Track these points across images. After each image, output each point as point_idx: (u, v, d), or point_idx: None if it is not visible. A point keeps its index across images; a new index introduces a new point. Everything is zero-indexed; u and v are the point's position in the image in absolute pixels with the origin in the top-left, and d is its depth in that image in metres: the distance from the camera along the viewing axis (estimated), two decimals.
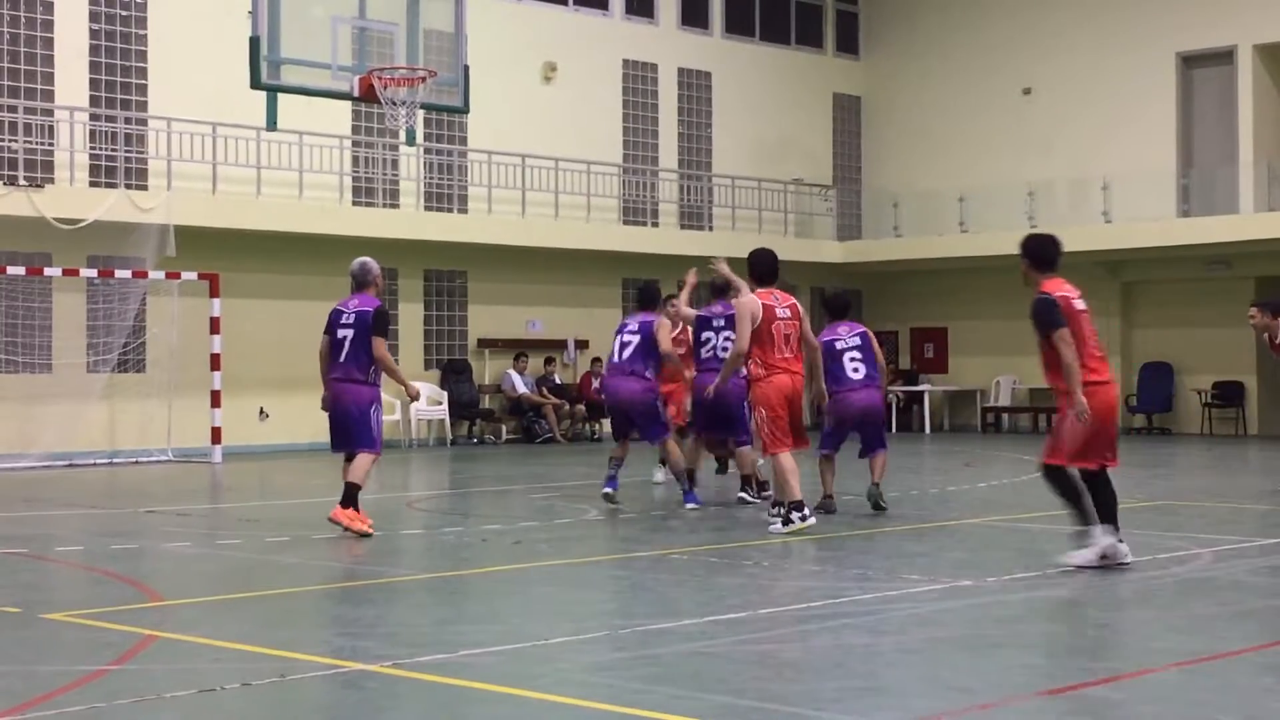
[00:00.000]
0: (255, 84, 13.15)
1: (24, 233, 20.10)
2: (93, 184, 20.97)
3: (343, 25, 13.61)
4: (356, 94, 13.85)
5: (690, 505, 13.15)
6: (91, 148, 21.13)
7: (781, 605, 8.52)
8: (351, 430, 11.66)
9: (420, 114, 15.12)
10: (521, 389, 25.06)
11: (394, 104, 13.72)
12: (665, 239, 27.01)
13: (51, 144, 20.75)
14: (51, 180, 20.50)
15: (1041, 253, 9.62)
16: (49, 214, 19.78)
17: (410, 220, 24.00)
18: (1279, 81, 26.96)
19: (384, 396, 11.97)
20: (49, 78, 21.04)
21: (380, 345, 11.61)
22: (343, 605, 8.84)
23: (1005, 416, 28.62)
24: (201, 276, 20.77)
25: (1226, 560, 10.02)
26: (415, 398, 12.44)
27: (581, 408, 25.55)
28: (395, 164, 24.29)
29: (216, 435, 20.58)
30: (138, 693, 6.10)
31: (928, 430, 28.30)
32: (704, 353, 13.59)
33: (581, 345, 26.45)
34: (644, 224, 27.48)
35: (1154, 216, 26.13)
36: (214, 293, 20.75)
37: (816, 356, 11.95)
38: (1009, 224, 27.20)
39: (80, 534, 12.38)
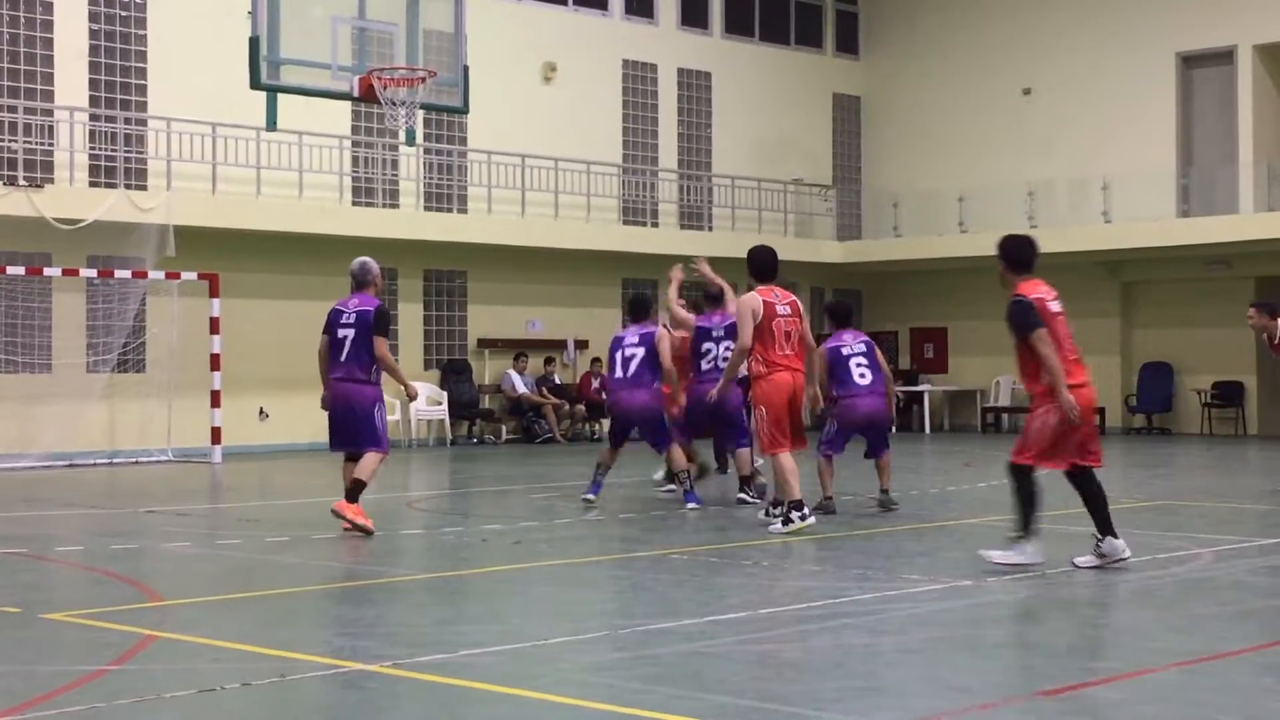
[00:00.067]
0: (255, 84, 13.14)
1: (24, 233, 20.10)
2: (93, 184, 20.97)
3: (342, 25, 13.60)
4: (356, 94, 13.85)
5: (691, 505, 13.19)
6: (91, 148, 21.14)
7: (781, 605, 8.52)
8: (357, 430, 11.68)
9: (420, 114, 15.12)
10: (521, 389, 25.06)
11: (394, 104, 13.71)
12: (665, 239, 26.99)
13: (51, 144, 20.76)
14: (51, 180, 20.50)
15: (1018, 254, 9.56)
16: (49, 214, 19.78)
17: (410, 220, 24.00)
18: (1279, 81, 26.96)
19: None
20: (49, 78, 21.05)
21: (382, 345, 11.65)
22: (343, 605, 8.85)
23: (1005, 416, 28.61)
24: (201, 276, 20.77)
25: (1226, 560, 10.02)
26: (413, 398, 12.52)
27: (581, 408, 25.55)
28: (395, 164, 24.29)
29: (216, 435, 20.58)
30: (138, 693, 6.10)
31: (928, 430, 28.31)
32: (704, 364, 13.68)
33: (581, 345, 26.45)
34: (644, 224, 27.48)
35: (1154, 216, 26.13)
36: (214, 293, 20.75)
37: (814, 357, 11.95)
38: (1009, 224, 27.05)
39: (80, 534, 12.38)
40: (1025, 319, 9.19)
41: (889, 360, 15.75)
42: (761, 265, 11.80)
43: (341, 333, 11.71)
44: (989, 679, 6.49)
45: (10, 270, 19.72)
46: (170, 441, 20.92)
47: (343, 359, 11.68)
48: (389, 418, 13.21)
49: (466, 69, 14.45)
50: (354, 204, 23.68)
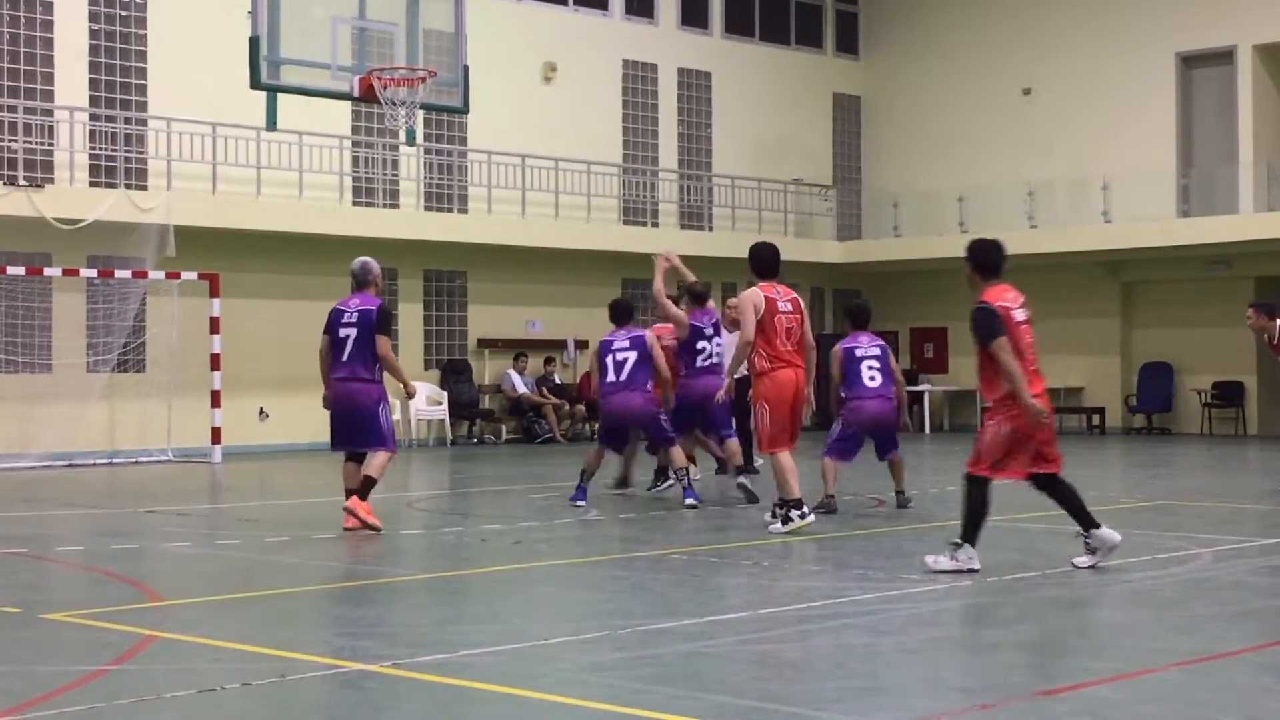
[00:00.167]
0: (255, 84, 13.15)
1: (24, 233, 20.10)
2: (93, 184, 20.97)
3: (342, 25, 13.61)
4: (356, 94, 13.85)
5: (689, 501, 13.22)
6: (91, 148, 21.14)
7: (781, 605, 8.52)
8: (362, 429, 11.72)
9: (420, 114, 15.13)
10: (521, 389, 25.06)
11: (394, 104, 13.72)
12: (665, 239, 26.87)
13: (51, 144, 20.76)
14: (51, 180, 20.51)
15: (985, 258, 9.52)
16: (49, 214, 19.79)
17: (410, 220, 24.00)
18: (1279, 81, 26.96)
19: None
20: (49, 78, 21.05)
21: (385, 344, 11.69)
22: (343, 605, 8.85)
23: None
24: (201, 276, 20.77)
25: (1226, 560, 10.02)
26: (412, 396, 12.55)
27: (581, 408, 25.54)
28: (395, 164, 24.29)
29: (216, 435, 20.58)
30: (138, 693, 6.10)
31: (928, 430, 28.31)
32: (700, 361, 13.85)
33: (581, 345, 26.44)
34: (644, 224, 27.48)
35: (1154, 216, 26.13)
36: (214, 293, 20.75)
37: (813, 357, 11.94)
38: (1009, 224, 27.24)
39: (80, 534, 12.38)
40: (988, 327, 9.15)
41: None
42: (763, 262, 11.79)
43: (343, 332, 11.72)
44: (989, 679, 6.49)
45: (10, 270, 19.72)
46: (170, 441, 20.92)
47: (345, 358, 11.70)
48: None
49: (466, 69, 14.45)
50: (354, 204, 23.68)
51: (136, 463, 20.30)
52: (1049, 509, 10.44)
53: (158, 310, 21.23)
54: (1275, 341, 15.24)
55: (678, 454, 13.60)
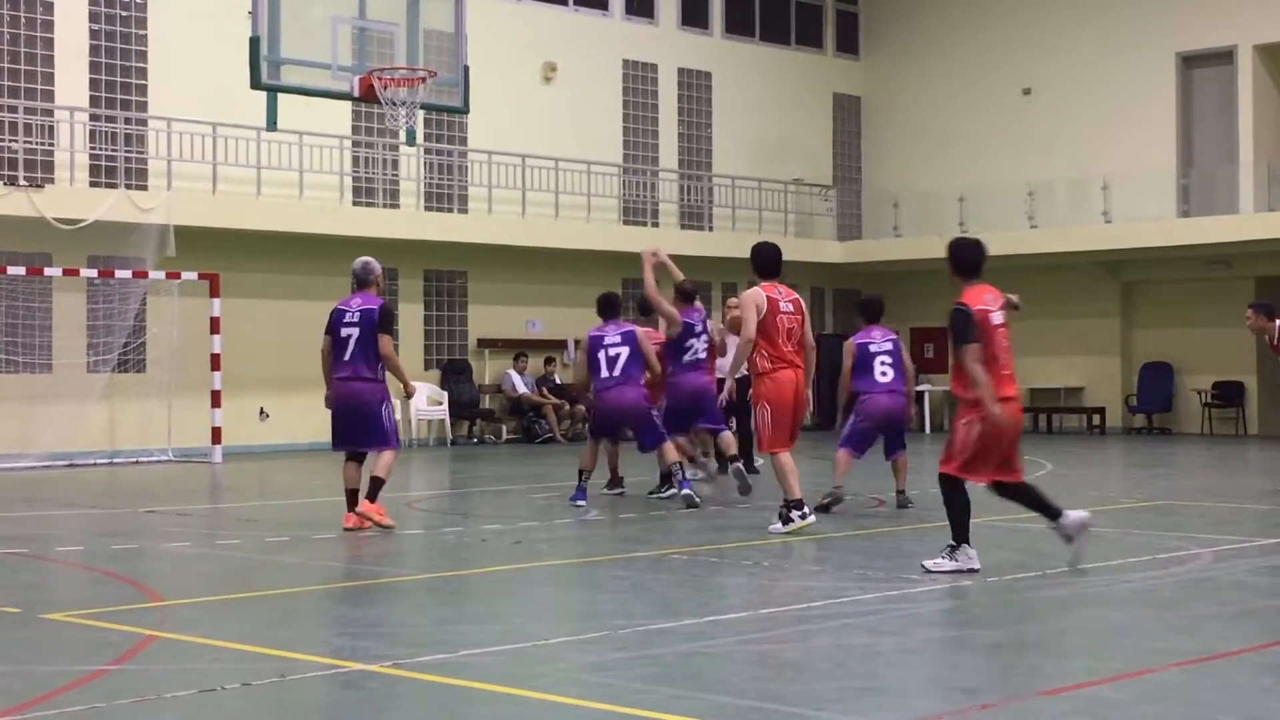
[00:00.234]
0: (255, 84, 13.15)
1: (24, 233, 20.11)
2: (93, 184, 20.97)
3: (343, 25, 13.61)
4: (356, 94, 13.85)
5: (685, 492, 13.27)
6: (91, 148, 21.14)
7: (781, 605, 8.52)
8: (365, 429, 11.76)
9: (420, 114, 15.12)
10: (521, 389, 25.07)
11: (394, 104, 13.72)
12: (665, 239, 26.86)
13: (51, 144, 20.76)
14: (51, 180, 20.51)
15: (965, 258, 9.49)
16: (49, 214, 19.79)
17: (410, 220, 24.00)
18: (1279, 81, 26.96)
19: None
20: (49, 78, 21.05)
21: (387, 343, 11.72)
22: (343, 605, 8.85)
23: None
24: (201, 276, 20.78)
25: (1226, 560, 10.02)
26: (410, 396, 12.57)
27: (581, 408, 25.53)
28: (395, 164, 24.29)
29: (216, 435, 20.58)
30: (138, 693, 6.10)
31: (928, 430, 28.29)
32: (686, 357, 14.01)
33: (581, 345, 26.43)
34: (644, 224, 27.47)
35: (1154, 216, 26.13)
36: (214, 293, 20.75)
37: (813, 358, 11.93)
38: (1009, 224, 27.29)
39: (80, 534, 12.38)
40: (961, 330, 9.14)
41: None
42: (765, 262, 11.78)
43: (345, 332, 11.74)
44: (989, 679, 6.49)
45: (10, 270, 19.72)
46: (170, 441, 20.93)
47: (347, 358, 11.72)
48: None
49: (466, 69, 14.45)
50: (354, 204, 23.68)
51: (137, 463, 20.31)
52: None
53: (158, 310, 21.23)
54: (1275, 342, 15.24)
55: (670, 452, 13.60)
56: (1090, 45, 28.10)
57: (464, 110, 15.30)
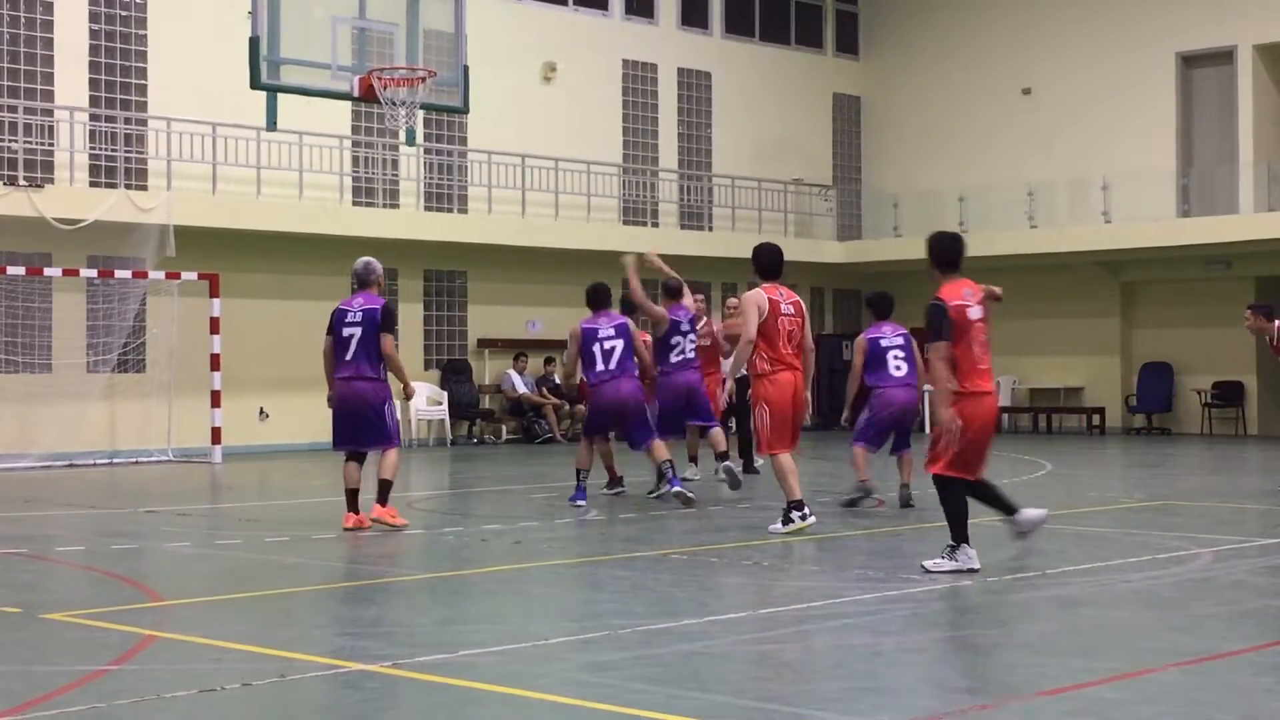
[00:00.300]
0: (255, 84, 13.15)
1: (24, 233, 20.10)
2: (93, 184, 20.97)
3: (343, 25, 13.61)
4: (356, 94, 13.85)
5: (675, 489, 13.28)
6: (91, 148, 21.14)
7: (781, 605, 8.52)
8: (368, 428, 11.78)
9: (420, 114, 15.12)
10: (521, 389, 25.06)
11: (394, 104, 13.72)
12: (665, 239, 26.95)
13: (51, 144, 20.76)
14: (51, 180, 20.51)
15: (944, 253, 9.53)
16: (49, 214, 19.78)
17: (410, 220, 24.00)
18: (1279, 81, 26.96)
19: None
20: (49, 78, 21.05)
21: (390, 342, 11.75)
22: (343, 605, 8.85)
23: (1005, 417, 28.57)
24: (201, 276, 20.77)
25: (1226, 560, 10.01)
26: (410, 397, 12.58)
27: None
28: (395, 164, 24.29)
29: (216, 435, 20.58)
30: (138, 693, 6.10)
31: (928, 430, 28.26)
32: (674, 356, 14.17)
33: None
34: (644, 224, 27.47)
35: (1154, 216, 26.13)
36: (214, 293, 20.75)
37: (811, 360, 11.93)
38: (1009, 224, 27.30)
39: (80, 534, 12.38)
40: (935, 326, 9.16)
41: None
42: (767, 263, 11.78)
43: (347, 331, 11.76)
44: (989, 679, 6.49)
45: (10, 270, 19.72)
46: (170, 441, 20.93)
47: (349, 357, 11.74)
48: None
49: (466, 69, 14.45)
50: (354, 204, 23.68)
51: (136, 463, 20.30)
52: (1049, 509, 10.46)
53: (158, 310, 21.23)
54: (1275, 343, 15.24)
55: (660, 449, 13.60)
56: (1090, 45, 28.09)
57: (464, 110, 15.30)
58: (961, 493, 9.26)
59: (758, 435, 11.65)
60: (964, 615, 8.17)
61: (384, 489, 11.82)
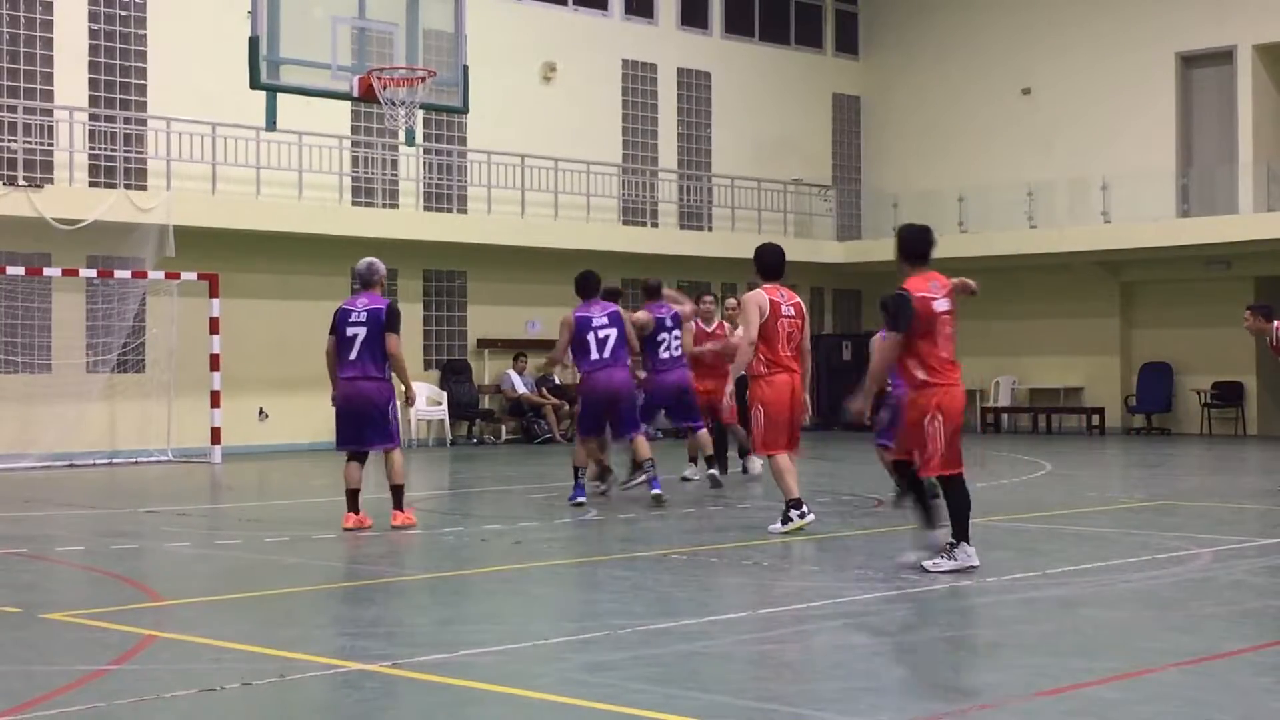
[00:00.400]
0: (255, 84, 13.14)
1: (24, 233, 20.10)
2: (92, 184, 20.97)
3: (342, 25, 13.60)
4: (356, 94, 13.85)
5: (656, 492, 13.37)
6: (91, 148, 21.13)
7: (781, 605, 8.52)
8: (372, 428, 11.82)
9: (420, 114, 15.12)
10: (521, 389, 25.06)
11: (393, 104, 13.71)
12: (665, 239, 27.02)
13: (51, 144, 20.75)
14: (51, 180, 20.50)
15: (911, 245, 9.48)
16: (49, 214, 19.78)
17: (410, 220, 24.00)
18: (1279, 82, 26.96)
19: None
20: (49, 78, 21.04)
21: (395, 342, 11.77)
22: (343, 605, 8.85)
23: (1005, 417, 28.61)
24: (201, 276, 20.77)
25: (1226, 560, 10.02)
26: (411, 403, 12.52)
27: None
28: (395, 164, 24.28)
29: (216, 435, 20.57)
30: (138, 693, 6.10)
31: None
32: (661, 353, 14.44)
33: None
34: (644, 224, 27.47)
35: (1154, 216, 26.13)
36: (214, 293, 20.75)
37: (809, 362, 11.90)
38: (1009, 224, 27.29)
39: (80, 534, 12.38)
40: (894, 315, 9.15)
41: None
42: (769, 264, 11.76)
43: (351, 331, 11.76)
44: (989, 679, 6.49)
45: (10, 270, 19.71)
46: (170, 441, 20.92)
47: (353, 357, 11.75)
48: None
49: (466, 69, 14.45)
50: (354, 204, 23.68)
51: (136, 463, 20.30)
52: (1049, 509, 10.48)
53: (157, 310, 21.23)
54: (1275, 343, 15.24)
55: (642, 445, 13.63)
56: (1090, 45, 28.09)
57: (463, 110, 15.30)
58: (962, 484, 9.27)
59: (754, 436, 11.64)
60: (964, 615, 8.17)
61: (398, 494, 11.94)
